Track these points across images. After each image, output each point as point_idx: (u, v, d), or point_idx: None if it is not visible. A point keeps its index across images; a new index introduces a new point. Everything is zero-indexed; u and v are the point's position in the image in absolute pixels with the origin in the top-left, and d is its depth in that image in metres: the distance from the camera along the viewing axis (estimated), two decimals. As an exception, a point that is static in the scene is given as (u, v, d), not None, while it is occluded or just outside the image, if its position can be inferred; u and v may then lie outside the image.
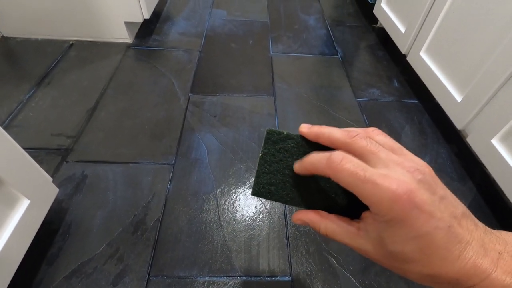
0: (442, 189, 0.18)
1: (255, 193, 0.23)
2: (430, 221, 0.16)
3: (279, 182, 0.23)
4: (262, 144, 0.23)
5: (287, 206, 0.66)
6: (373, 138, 0.19)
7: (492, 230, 0.18)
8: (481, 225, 0.18)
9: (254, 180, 0.23)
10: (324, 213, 0.22)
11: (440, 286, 0.17)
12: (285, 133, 0.22)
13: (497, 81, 0.61)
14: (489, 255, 0.16)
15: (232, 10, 1.33)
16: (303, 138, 0.22)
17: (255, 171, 0.72)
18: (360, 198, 0.18)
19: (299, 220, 0.22)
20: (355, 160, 0.18)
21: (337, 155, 0.18)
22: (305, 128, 0.22)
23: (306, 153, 0.22)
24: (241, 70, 1.02)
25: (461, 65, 0.72)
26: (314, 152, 0.21)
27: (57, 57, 0.99)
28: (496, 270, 0.15)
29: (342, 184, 0.18)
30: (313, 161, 0.20)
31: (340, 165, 0.18)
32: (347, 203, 0.22)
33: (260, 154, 0.23)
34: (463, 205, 0.18)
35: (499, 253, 0.16)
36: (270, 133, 0.23)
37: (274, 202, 0.66)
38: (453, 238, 0.16)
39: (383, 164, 0.18)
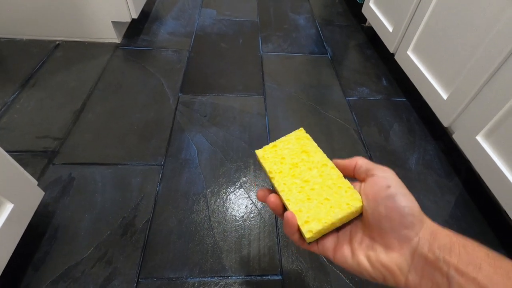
0: None
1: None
2: None
3: None
4: None
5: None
6: None
7: None
8: None
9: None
10: None
11: None
12: None
13: (481, 79, 0.62)
14: None
15: (222, 10, 1.33)
16: None
17: (245, 170, 0.72)
18: None
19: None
20: None
21: None
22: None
23: None
24: (231, 69, 1.02)
25: (447, 63, 0.73)
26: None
27: (43, 58, 0.97)
28: None
29: None
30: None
31: None
32: None
33: None
34: None
35: None
36: None
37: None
38: None
39: None
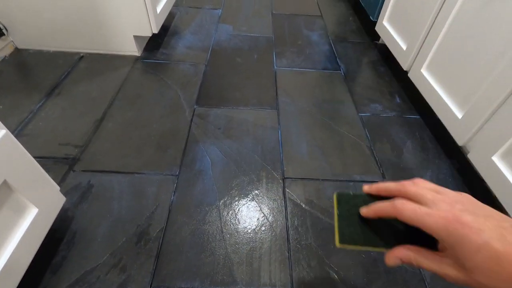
0: (485, 210, 0.22)
1: (343, 242, 0.27)
2: (481, 234, 0.20)
3: (359, 231, 0.27)
4: (335, 205, 0.29)
5: (289, 219, 0.67)
6: (419, 184, 0.26)
7: None
8: None
9: (338, 233, 0.28)
10: (412, 247, 0.25)
11: None
12: (351, 193, 0.29)
13: (497, 99, 0.62)
14: None
15: (238, 25, 1.37)
16: (367, 194, 0.29)
17: (257, 183, 0.73)
18: (424, 229, 0.23)
19: (395, 258, 0.25)
20: (412, 202, 0.24)
21: (399, 199, 0.25)
22: (367, 187, 0.29)
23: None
24: (246, 83, 1.04)
25: (462, 82, 0.73)
26: (378, 201, 0.27)
27: (68, 69, 1.02)
28: None
29: (406, 220, 0.24)
30: (380, 206, 0.26)
31: (402, 206, 0.24)
32: (416, 238, 0.26)
33: (337, 213, 0.28)
34: (510, 219, 0.21)
35: None
36: (340, 195, 0.29)
37: (286, 219, 0.67)
38: (508, 243, 0.19)
39: (431, 202, 0.23)
